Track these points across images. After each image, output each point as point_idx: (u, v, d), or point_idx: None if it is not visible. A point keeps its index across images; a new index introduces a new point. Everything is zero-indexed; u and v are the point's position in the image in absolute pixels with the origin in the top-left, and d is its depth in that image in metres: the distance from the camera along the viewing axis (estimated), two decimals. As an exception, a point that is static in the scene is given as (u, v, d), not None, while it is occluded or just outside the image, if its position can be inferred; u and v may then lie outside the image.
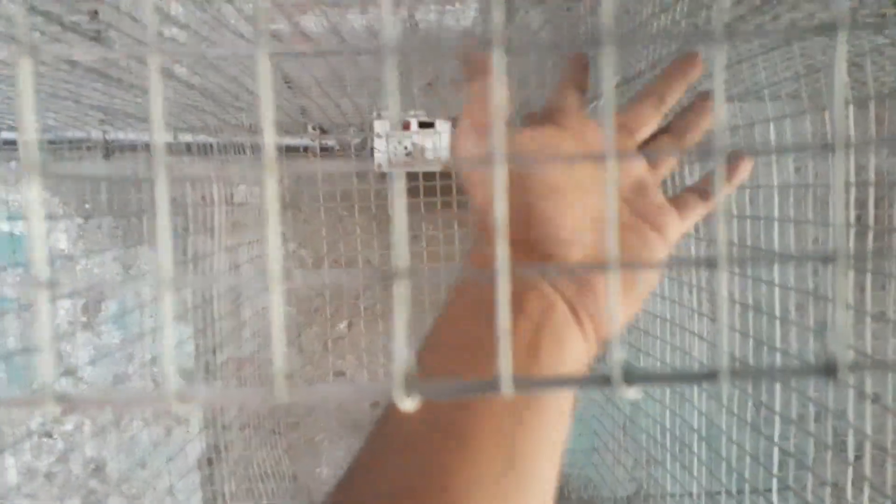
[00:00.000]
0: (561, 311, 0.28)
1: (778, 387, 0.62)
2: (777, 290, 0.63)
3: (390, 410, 0.26)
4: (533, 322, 0.27)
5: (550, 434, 0.26)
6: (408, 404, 0.16)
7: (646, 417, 0.99)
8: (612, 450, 1.12)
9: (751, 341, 0.66)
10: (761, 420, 0.64)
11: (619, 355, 0.15)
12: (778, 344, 0.61)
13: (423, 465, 0.23)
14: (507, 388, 0.16)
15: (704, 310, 0.80)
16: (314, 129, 1.17)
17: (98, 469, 1.24)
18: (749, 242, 0.71)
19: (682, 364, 0.84)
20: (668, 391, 0.88)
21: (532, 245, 0.29)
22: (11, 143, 1.05)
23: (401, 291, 0.16)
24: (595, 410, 1.19)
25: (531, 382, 0.18)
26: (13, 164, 1.15)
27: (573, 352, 0.27)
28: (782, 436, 0.61)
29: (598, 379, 0.16)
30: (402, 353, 0.16)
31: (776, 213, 0.66)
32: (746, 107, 0.74)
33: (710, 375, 0.15)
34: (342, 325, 1.24)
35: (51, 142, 1.07)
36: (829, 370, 0.13)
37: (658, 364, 0.90)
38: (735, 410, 0.71)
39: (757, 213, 0.71)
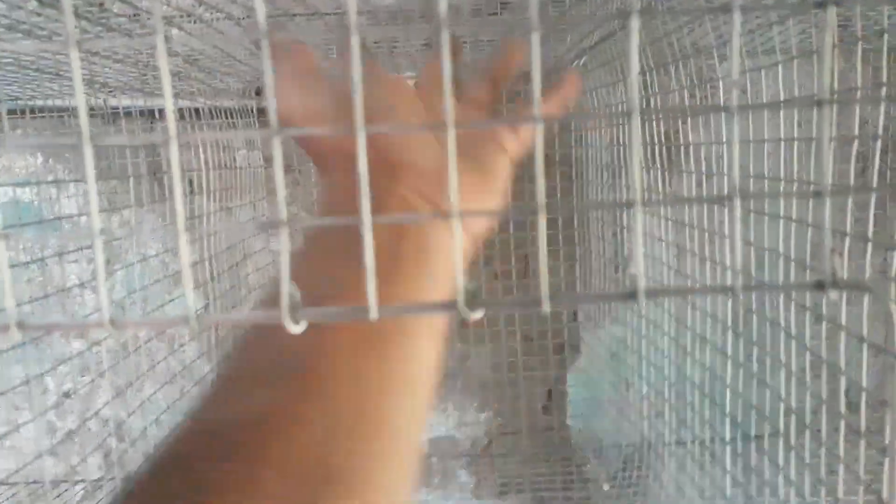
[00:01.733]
0: (423, 210, 0.30)
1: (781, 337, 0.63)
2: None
3: (240, 346, 0.26)
4: (392, 230, 0.28)
5: (418, 363, 0.26)
6: (295, 329, 0.18)
7: (649, 370, 1.00)
8: (616, 402, 1.14)
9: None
10: (756, 371, 0.65)
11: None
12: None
13: (273, 397, 0.23)
14: (373, 314, 0.17)
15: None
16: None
17: (117, 428, 1.29)
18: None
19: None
20: (671, 343, 0.89)
21: (382, 164, 0.31)
22: (13, 113, 1.07)
23: (283, 238, 0.18)
24: (599, 364, 1.21)
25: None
26: (18, 131, 1.17)
27: (440, 248, 0.29)
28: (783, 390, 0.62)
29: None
30: (287, 285, 0.18)
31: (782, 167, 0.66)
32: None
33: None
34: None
35: (60, 109, 1.10)
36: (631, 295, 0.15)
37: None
38: (739, 360, 0.72)
39: (760, 170, 0.70)
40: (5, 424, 1.27)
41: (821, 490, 0.46)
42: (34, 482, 1.08)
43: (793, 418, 0.54)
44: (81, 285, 1.21)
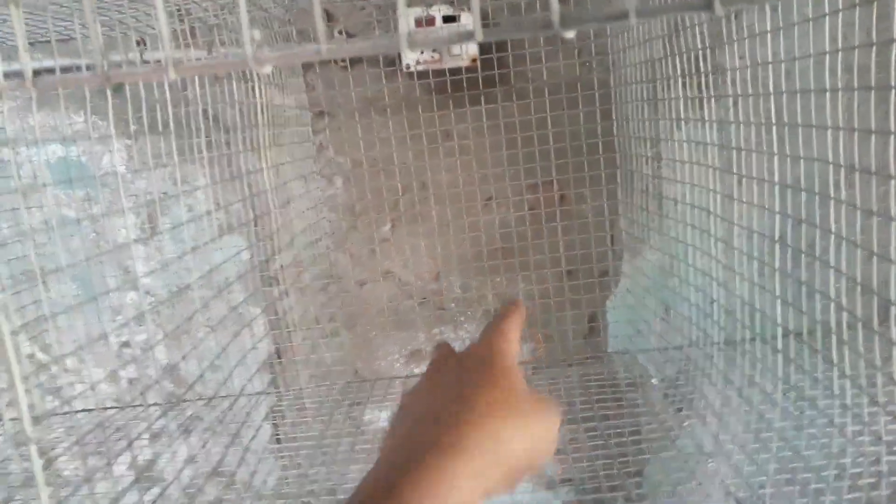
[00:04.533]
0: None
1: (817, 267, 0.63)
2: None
3: None
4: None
5: None
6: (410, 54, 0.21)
7: (683, 302, 1.01)
8: (654, 332, 1.16)
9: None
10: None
11: (556, 5, 0.18)
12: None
13: None
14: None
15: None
16: (340, 33, 1.18)
17: (173, 373, 1.35)
18: (786, 118, 0.70)
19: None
20: (716, 264, 0.90)
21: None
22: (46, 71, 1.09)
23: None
24: (639, 292, 1.22)
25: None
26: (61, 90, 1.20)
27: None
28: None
29: (540, 23, 0.19)
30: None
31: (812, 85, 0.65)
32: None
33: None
34: (386, 228, 1.29)
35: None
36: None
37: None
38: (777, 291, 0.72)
39: (793, 87, 0.69)
40: (73, 374, 1.33)
41: (876, 376, 0.46)
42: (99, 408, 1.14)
43: (844, 315, 0.54)
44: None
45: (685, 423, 1.00)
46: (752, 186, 0.77)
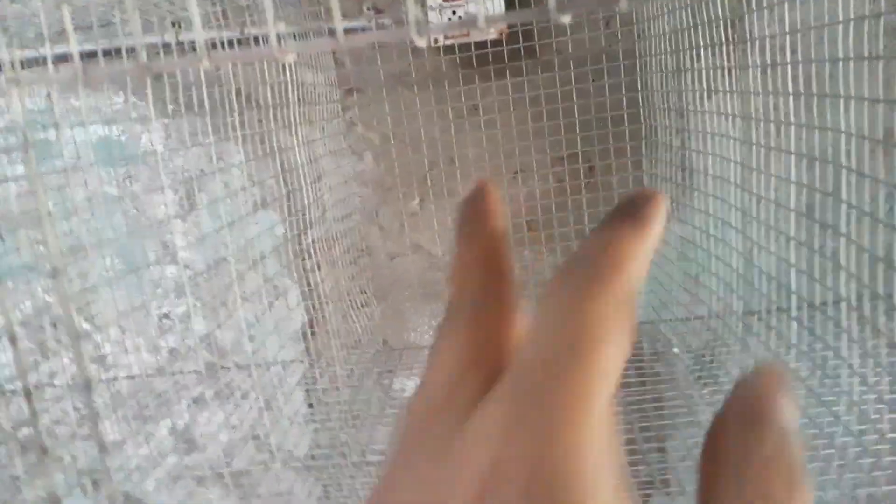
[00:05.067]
0: None
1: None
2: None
3: None
4: None
5: None
6: (420, 42, 0.23)
7: (708, 274, 1.01)
8: (679, 303, 1.16)
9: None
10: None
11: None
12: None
13: None
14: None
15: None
16: (369, 9, 1.20)
17: (211, 344, 1.40)
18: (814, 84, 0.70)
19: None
20: (738, 236, 0.90)
21: None
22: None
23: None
24: (666, 265, 1.22)
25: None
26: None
27: None
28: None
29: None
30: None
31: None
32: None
33: None
34: (414, 203, 1.31)
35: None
36: None
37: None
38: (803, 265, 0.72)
39: (822, 55, 0.69)
40: (116, 345, 1.40)
41: (881, 340, 0.47)
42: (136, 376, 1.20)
43: (853, 282, 0.55)
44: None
45: (708, 395, 1.01)
46: (780, 158, 0.77)
